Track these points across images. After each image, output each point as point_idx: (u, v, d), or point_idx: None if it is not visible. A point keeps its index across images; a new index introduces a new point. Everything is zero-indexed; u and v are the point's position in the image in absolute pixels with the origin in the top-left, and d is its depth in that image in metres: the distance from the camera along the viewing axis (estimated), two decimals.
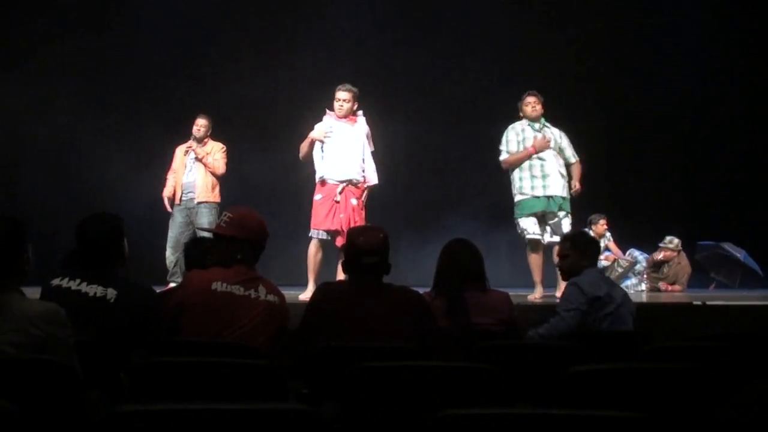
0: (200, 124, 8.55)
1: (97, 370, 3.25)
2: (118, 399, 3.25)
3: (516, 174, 7.53)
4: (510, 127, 7.64)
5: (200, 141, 8.52)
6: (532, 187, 7.44)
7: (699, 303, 6.96)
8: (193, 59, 10.44)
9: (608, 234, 10.05)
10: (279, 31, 10.50)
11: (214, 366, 3.08)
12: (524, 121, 7.61)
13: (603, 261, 9.94)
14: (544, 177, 7.42)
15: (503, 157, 7.58)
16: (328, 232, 7.28)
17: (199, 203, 8.39)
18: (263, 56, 10.38)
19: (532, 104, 7.56)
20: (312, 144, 7.40)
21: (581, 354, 3.55)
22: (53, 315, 3.05)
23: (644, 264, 9.96)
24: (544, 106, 7.65)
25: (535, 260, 7.54)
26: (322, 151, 7.39)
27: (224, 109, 10.04)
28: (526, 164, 7.46)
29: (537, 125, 7.56)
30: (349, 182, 7.30)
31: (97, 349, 3.42)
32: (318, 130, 7.41)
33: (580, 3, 10.68)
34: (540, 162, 7.44)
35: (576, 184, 7.56)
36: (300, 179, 8.10)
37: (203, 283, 3.87)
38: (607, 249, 10.01)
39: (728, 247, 10.24)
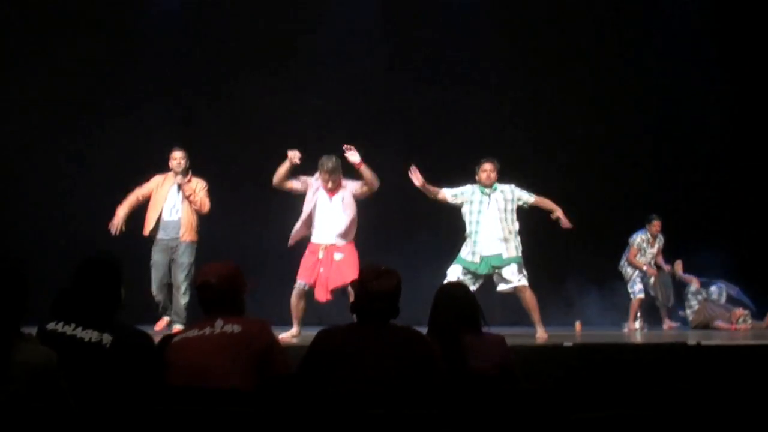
0: (178, 157, 8.27)
1: (94, 416, 3.21)
2: None
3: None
4: (468, 186, 8.15)
5: (184, 175, 8.29)
6: (469, 253, 8.06)
7: (693, 344, 6.95)
8: (181, 94, 10.41)
9: (660, 235, 10.13)
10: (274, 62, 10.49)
11: (206, 414, 3.05)
12: (476, 186, 8.08)
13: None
14: (474, 243, 8.03)
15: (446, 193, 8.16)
16: (308, 284, 7.89)
17: (185, 242, 8.22)
18: (256, 90, 10.37)
19: (488, 172, 8.03)
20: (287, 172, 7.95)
21: (580, 399, 3.51)
22: (47, 362, 3.04)
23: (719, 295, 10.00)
24: (500, 171, 8.13)
25: None
26: (309, 215, 7.96)
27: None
28: (466, 227, 8.10)
29: (488, 190, 8.04)
30: (333, 244, 7.94)
31: (92, 394, 3.38)
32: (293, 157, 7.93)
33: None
34: (476, 228, 8.05)
35: (556, 213, 8.07)
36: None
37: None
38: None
39: (722, 284, 10.29)
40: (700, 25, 10.61)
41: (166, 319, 8.24)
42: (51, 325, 3.75)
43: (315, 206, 7.95)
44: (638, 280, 9.97)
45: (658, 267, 10.14)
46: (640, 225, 10.21)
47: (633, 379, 4.35)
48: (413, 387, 3.68)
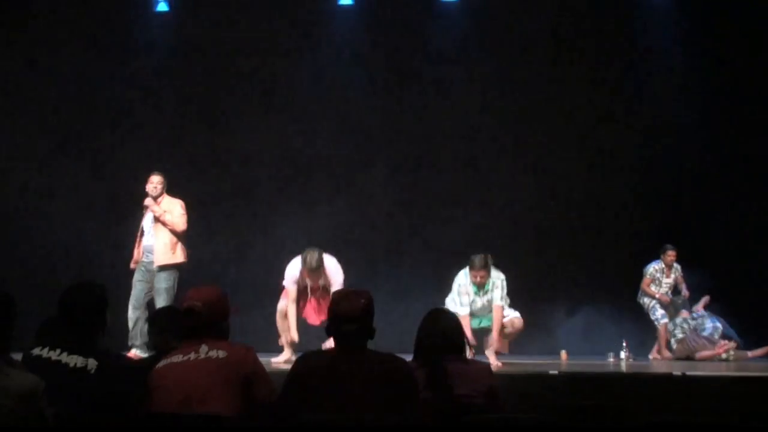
0: (155, 182, 8.22)
1: None
2: None
3: None
4: (462, 277, 8.12)
5: (156, 199, 8.19)
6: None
7: (678, 374, 6.96)
8: (169, 121, 10.46)
9: (677, 265, 10.17)
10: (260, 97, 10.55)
11: None
12: (470, 282, 8.08)
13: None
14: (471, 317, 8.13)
15: (463, 313, 7.92)
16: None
17: (159, 267, 8.15)
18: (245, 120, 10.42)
19: (479, 278, 8.03)
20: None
21: (565, 429, 3.52)
22: (33, 390, 3.03)
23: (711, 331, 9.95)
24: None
25: None
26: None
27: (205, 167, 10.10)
28: (460, 301, 8.10)
29: (480, 291, 8.09)
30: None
31: (77, 419, 3.38)
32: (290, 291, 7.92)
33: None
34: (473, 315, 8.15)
35: (494, 336, 8.03)
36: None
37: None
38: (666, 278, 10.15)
39: (719, 323, 10.29)
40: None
41: (133, 352, 8.14)
42: (36, 351, 3.75)
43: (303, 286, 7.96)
44: (658, 306, 10.01)
45: (678, 293, 10.16)
46: (628, 252, 10.29)
47: (618, 409, 4.36)
48: (390, 412, 3.67)
